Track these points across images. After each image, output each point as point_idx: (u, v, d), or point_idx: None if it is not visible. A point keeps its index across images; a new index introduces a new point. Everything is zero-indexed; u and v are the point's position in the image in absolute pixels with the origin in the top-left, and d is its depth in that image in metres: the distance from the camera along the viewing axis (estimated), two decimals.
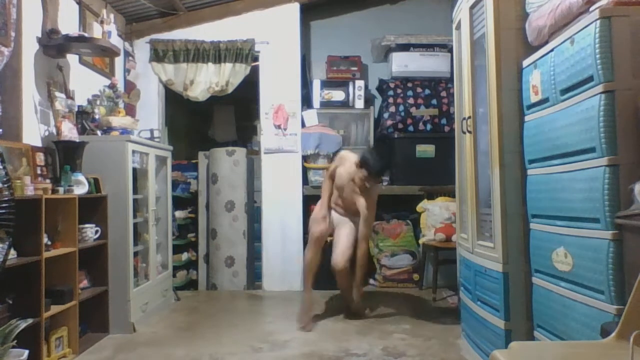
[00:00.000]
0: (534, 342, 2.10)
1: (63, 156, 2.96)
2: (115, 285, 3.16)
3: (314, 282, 3.53)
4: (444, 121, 4.58)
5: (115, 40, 3.55)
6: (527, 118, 2.29)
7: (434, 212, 4.04)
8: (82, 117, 3.25)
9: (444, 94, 4.64)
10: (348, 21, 5.08)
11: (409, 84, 4.68)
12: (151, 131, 4.02)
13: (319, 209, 3.55)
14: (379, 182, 3.57)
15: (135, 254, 3.43)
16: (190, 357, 2.77)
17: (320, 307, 3.83)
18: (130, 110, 4.04)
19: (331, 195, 3.59)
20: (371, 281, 4.56)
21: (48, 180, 2.85)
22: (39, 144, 2.96)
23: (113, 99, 3.56)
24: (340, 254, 3.44)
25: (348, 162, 3.49)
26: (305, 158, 4.55)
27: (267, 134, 4.50)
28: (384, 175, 3.53)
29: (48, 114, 3.07)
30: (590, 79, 1.77)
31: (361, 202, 3.43)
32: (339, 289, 3.68)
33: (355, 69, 4.77)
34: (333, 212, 3.62)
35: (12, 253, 2.26)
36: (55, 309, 2.61)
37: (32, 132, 2.93)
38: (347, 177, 3.47)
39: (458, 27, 2.98)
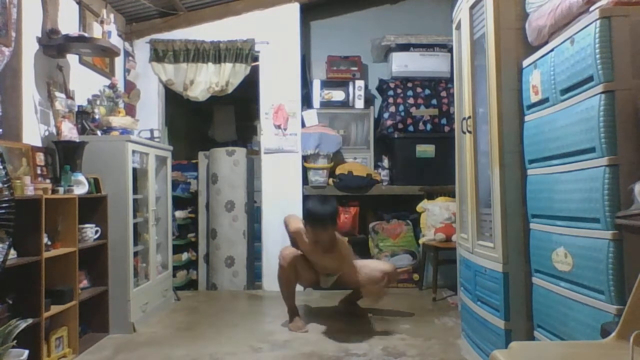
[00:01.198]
0: (534, 342, 2.10)
1: (63, 156, 2.96)
2: (115, 285, 3.16)
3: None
4: (444, 121, 4.58)
5: (115, 40, 3.55)
6: (527, 118, 2.29)
7: (434, 212, 4.04)
8: (82, 117, 3.25)
9: (444, 94, 4.64)
10: (348, 21, 5.08)
11: (409, 84, 4.69)
12: (151, 131, 4.02)
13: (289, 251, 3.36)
14: (329, 232, 3.18)
15: (135, 254, 3.43)
16: (190, 357, 2.77)
17: (321, 307, 3.83)
18: (130, 110, 4.04)
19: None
20: None
21: (48, 180, 2.85)
22: (39, 144, 2.96)
23: (113, 99, 3.56)
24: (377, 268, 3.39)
25: (302, 235, 3.25)
26: (305, 158, 4.55)
27: (267, 134, 4.50)
28: (329, 221, 3.14)
29: (48, 114, 3.07)
30: (590, 79, 1.77)
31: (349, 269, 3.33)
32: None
33: (355, 69, 4.77)
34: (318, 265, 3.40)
35: (12, 253, 2.26)
36: (55, 309, 2.61)
37: (32, 132, 2.93)
38: (312, 251, 3.27)
39: (458, 27, 2.98)
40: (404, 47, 4.70)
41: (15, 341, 2.13)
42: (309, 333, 3.18)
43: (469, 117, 2.74)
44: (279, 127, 4.50)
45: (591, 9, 1.80)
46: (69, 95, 3.22)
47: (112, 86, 3.62)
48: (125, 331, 3.16)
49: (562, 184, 1.95)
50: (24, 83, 2.84)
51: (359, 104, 4.71)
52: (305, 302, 3.98)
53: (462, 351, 2.80)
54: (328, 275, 3.46)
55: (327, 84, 4.71)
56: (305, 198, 4.44)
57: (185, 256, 4.62)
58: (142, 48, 4.48)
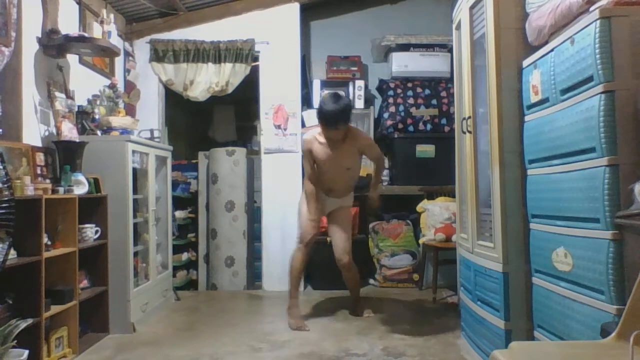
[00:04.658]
0: (534, 342, 2.10)
1: (63, 156, 2.96)
2: (115, 285, 3.16)
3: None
4: (444, 121, 4.58)
5: (115, 40, 3.55)
6: (527, 118, 2.29)
7: (434, 212, 4.04)
8: (82, 117, 3.25)
9: (444, 94, 4.64)
10: (348, 21, 5.08)
11: (409, 84, 4.68)
12: (151, 131, 4.02)
13: (311, 211, 3.40)
14: (342, 129, 3.20)
15: (135, 254, 3.43)
16: (190, 357, 2.77)
17: (321, 307, 3.83)
18: (130, 110, 4.04)
19: (316, 183, 3.42)
20: (371, 281, 4.57)
21: (48, 180, 2.85)
22: (39, 144, 2.96)
23: (113, 99, 3.56)
24: (342, 249, 3.45)
25: (317, 138, 3.29)
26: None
27: (267, 134, 4.50)
28: (341, 119, 3.14)
29: (48, 114, 3.07)
30: (590, 79, 1.77)
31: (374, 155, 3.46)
32: (347, 285, 3.68)
33: (355, 69, 4.77)
34: (321, 194, 3.46)
35: (12, 253, 2.26)
36: (55, 309, 2.61)
37: (32, 132, 2.93)
38: (324, 151, 3.28)
39: (458, 27, 2.98)
40: (404, 47, 4.70)
41: (15, 341, 2.13)
42: (309, 333, 3.18)
43: (469, 117, 2.74)
44: (279, 127, 4.50)
45: (591, 9, 1.80)
46: (69, 95, 3.22)
47: (112, 86, 3.62)
48: (125, 331, 3.16)
49: (562, 184, 1.95)
50: (24, 83, 2.84)
51: (359, 104, 4.70)
52: (305, 302, 3.98)
53: (462, 351, 2.80)
54: (332, 195, 3.49)
55: (327, 84, 4.70)
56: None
57: (185, 256, 4.62)
58: (142, 48, 4.48)
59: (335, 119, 3.13)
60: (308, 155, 3.38)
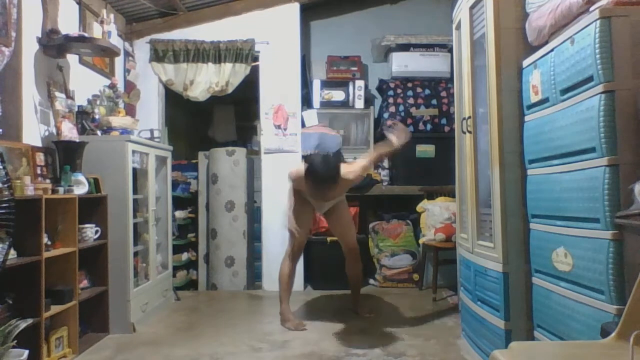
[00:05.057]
0: (534, 342, 2.10)
1: (63, 156, 2.96)
2: (115, 285, 3.16)
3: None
4: (444, 121, 4.59)
5: (115, 40, 3.54)
6: (527, 118, 2.29)
7: (434, 212, 4.04)
8: (82, 117, 3.25)
9: (444, 94, 4.64)
10: (348, 21, 5.08)
11: (409, 84, 4.69)
12: (151, 131, 4.02)
13: (296, 220, 3.39)
14: (330, 187, 3.06)
15: (135, 254, 3.43)
16: (190, 357, 2.77)
17: (321, 307, 3.83)
18: (130, 110, 4.04)
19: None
20: (371, 281, 4.57)
21: (48, 180, 2.85)
22: (39, 144, 2.96)
23: (113, 99, 3.56)
24: (350, 239, 3.54)
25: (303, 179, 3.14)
26: (305, 158, 4.54)
27: (267, 134, 4.50)
28: (330, 181, 3.00)
29: (48, 114, 3.07)
30: (590, 79, 1.77)
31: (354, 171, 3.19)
32: (349, 281, 3.67)
33: (355, 69, 4.77)
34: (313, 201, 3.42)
35: (12, 253, 2.26)
36: (55, 309, 2.61)
37: (32, 132, 2.92)
38: (308, 192, 3.22)
39: (458, 27, 2.98)
40: (404, 47, 4.71)
41: (15, 341, 2.13)
42: (309, 333, 3.18)
43: (469, 117, 2.74)
44: (279, 127, 4.50)
45: (591, 9, 1.81)
46: (69, 95, 3.22)
47: (112, 86, 3.62)
48: (125, 331, 3.16)
49: (562, 184, 1.95)
50: (24, 83, 2.84)
51: (359, 104, 4.70)
52: (305, 302, 3.99)
53: (462, 351, 2.80)
54: (325, 201, 3.40)
55: (327, 84, 4.71)
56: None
57: (185, 256, 4.62)
58: (142, 48, 4.48)
59: (323, 180, 3.00)
60: (293, 187, 3.40)
